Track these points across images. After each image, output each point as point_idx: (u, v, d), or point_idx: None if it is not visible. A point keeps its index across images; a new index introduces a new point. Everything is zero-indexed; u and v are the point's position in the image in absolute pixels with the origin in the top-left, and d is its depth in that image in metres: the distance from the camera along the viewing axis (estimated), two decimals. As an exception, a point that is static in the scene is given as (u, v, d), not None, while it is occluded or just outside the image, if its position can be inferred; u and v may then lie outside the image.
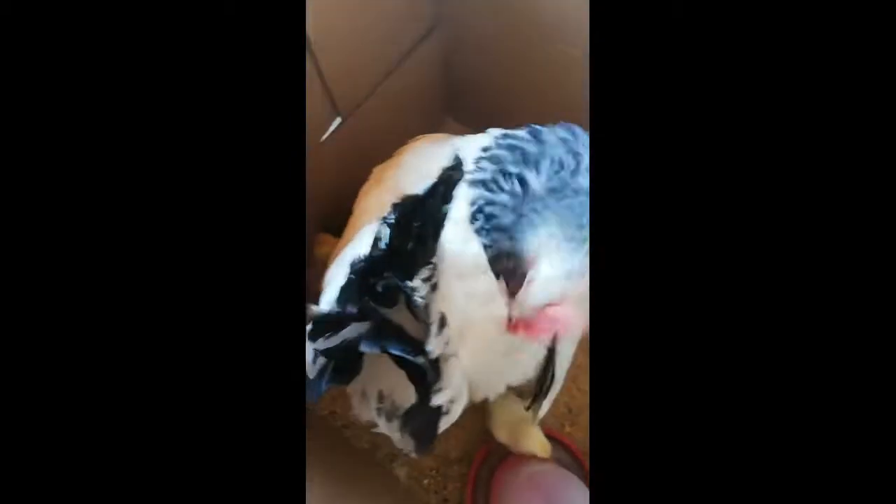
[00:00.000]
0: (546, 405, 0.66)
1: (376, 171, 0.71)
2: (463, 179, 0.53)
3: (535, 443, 0.78)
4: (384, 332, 0.45)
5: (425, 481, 0.88)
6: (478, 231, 0.54)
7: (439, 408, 0.49)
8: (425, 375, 0.45)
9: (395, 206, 0.43)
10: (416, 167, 0.66)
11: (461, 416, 0.61)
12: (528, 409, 0.68)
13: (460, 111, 1.09)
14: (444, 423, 0.51)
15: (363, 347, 0.44)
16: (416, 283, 0.43)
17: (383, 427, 0.54)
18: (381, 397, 0.53)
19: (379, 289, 0.43)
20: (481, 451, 0.86)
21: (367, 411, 0.56)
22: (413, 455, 0.50)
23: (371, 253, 0.43)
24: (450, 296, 0.49)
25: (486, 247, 0.53)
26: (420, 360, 0.44)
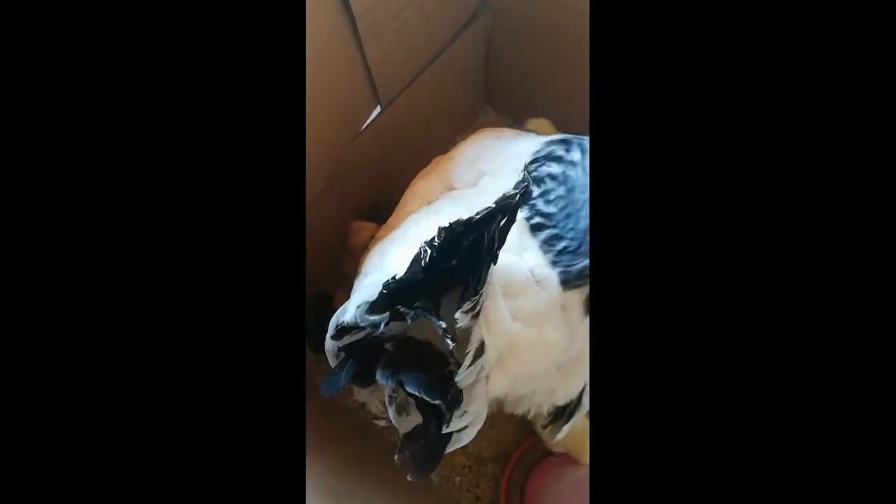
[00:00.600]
0: (566, 429, 0.63)
1: (435, 160, 0.69)
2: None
3: None
4: (404, 357, 0.43)
5: (457, 479, 0.86)
6: (544, 249, 0.52)
7: (448, 435, 0.46)
8: (441, 415, 0.43)
9: (442, 230, 0.40)
10: (470, 161, 0.65)
11: (494, 417, 0.59)
12: (544, 427, 0.66)
13: (499, 100, 1.07)
14: (454, 447, 0.49)
15: (378, 377, 0.42)
16: (457, 315, 0.41)
17: (393, 419, 0.50)
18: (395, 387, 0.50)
19: (408, 320, 0.40)
20: (516, 452, 0.84)
21: (375, 400, 0.54)
22: (408, 478, 0.46)
23: (408, 273, 0.41)
24: (494, 316, 0.47)
25: (558, 267, 0.52)
26: (437, 401, 0.41)
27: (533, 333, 0.50)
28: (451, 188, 0.62)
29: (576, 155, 0.54)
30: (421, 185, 0.65)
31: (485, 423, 0.89)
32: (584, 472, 0.76)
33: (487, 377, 0.47)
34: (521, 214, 0.53)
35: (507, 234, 0.41)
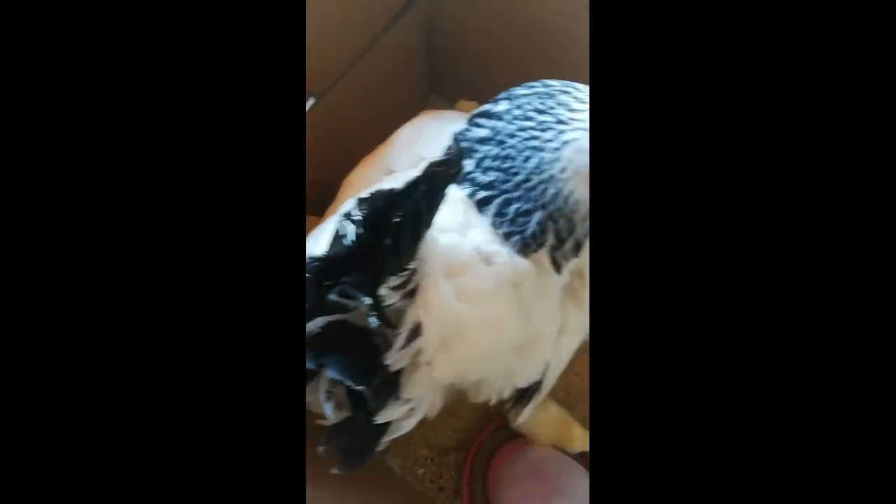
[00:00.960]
0: (528, 410, 0.63)
1: (380, 146, 0.67)
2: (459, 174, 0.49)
3: (581, 438, 0.77)
4: (334, 341, 0.41)
5: (420, 471, 0.86)
6: (497, 223, 0.50)
7: (384, 425, 0.45)
8: (365, 402, 0.42)
9: (363, 202, 0.38)
10: (407, 143, 0.63)
11: (456, 406, 0.57)
12: (508, 411, 0.65)
13: (444, 87, 1.05)
14: (392, 436, 0.48)
15: None
16: (382, 291, 0.39)
17: (330, 415, 0.48)
18: (333, 381, 0.47)
19: (332, 297, 0.38)
20: (477, 439, 0.83)
21: (317, 399, 0.51)
22: (334, 470, 0.44)
23: (330, 252, 0.39)
24: (434, 296, 0.45)
25: (515, 237, 0.50)
26: (361, 387, 0.40)
27: (480, 314, 0.48)
28: (390, 172, 0.60)
29: (502, 105, 0.51)
30: (357, 173, 0.63)
31: (447, 412, 0.88)
32: (541, 453, 0.76)
33: (431, 362, 0.45)
34: (464, 192, 0.51)
35: (436, 204, 0.40)
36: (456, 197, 0.51)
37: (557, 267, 0.51)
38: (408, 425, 0.47)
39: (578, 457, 0.80)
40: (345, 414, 0.47)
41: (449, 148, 0.40)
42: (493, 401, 0.59)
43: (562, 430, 0.79)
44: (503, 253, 0.50)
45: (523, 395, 0.61)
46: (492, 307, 0.49)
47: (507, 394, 0.59)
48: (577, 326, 0.57)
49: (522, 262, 0.50)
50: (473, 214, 0.51)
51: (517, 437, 0.80)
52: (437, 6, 0.88)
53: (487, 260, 0.49)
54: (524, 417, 0.64)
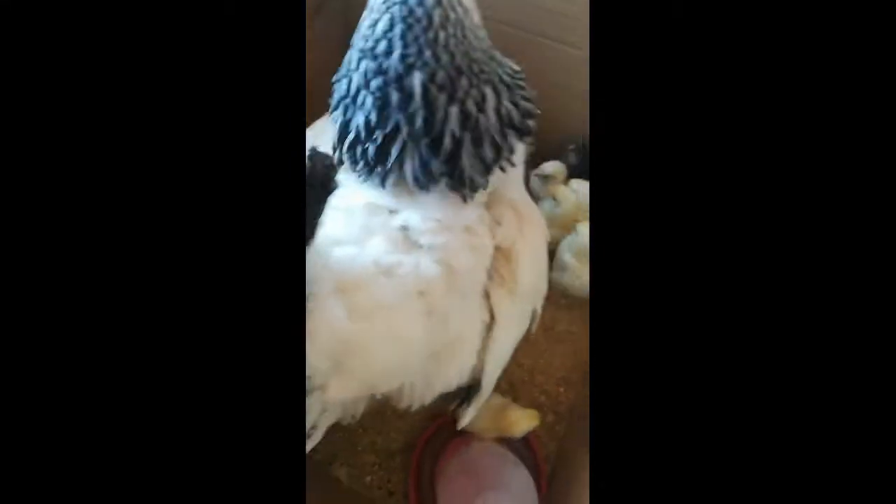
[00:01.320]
0: (472, 411, 0.61)
1: None
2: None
3: (521, 419, 0.76)
4: None
5: (367, 478, 0.83)
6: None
7: None
8: None
9: None
10: (311, 142, 0.59)
11: (399, 408, 0.56)
12: (452, 412, 0.63)
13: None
14: None
15: None
16: None
17: None
18: None
19: None
20: (423, 436, 0.82)
21: None
22: None
23: None
24: (319, 319, 0.43)
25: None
26: None
27: (380, 329, 0.46)
28: None
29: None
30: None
31: (391, 414, 0.85)
32: (478, 449, 0.75)
33: (324, 386, 0.44)
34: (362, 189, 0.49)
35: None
36: (353, 205, 0.49)
37: (464, 190, 0.48)
38: (309, 446, 0.47)
39: (523, 442, 0.80)
40: None
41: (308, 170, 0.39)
42: (416, 407, 0.57)
43: (500, 417, 0.78)
44: (406, 262, 0.47)
45: (456, 398, 0.59)
46: (393, 320, 0.47)
47: (428, 400, 0.56)
48: (511, 314, 0.55)
49: (429, 269, 0.48)
50: (375, 220, 0.49)
51: (463, 434, 0.78)
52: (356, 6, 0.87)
53: (388, 272, 0.47)
54: (468, 419, 0.62)
